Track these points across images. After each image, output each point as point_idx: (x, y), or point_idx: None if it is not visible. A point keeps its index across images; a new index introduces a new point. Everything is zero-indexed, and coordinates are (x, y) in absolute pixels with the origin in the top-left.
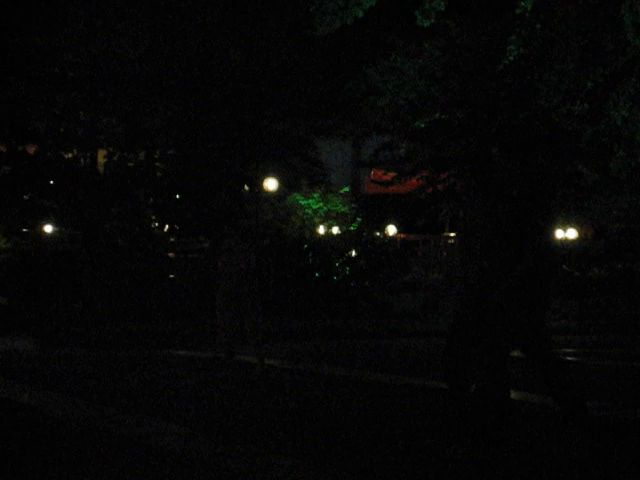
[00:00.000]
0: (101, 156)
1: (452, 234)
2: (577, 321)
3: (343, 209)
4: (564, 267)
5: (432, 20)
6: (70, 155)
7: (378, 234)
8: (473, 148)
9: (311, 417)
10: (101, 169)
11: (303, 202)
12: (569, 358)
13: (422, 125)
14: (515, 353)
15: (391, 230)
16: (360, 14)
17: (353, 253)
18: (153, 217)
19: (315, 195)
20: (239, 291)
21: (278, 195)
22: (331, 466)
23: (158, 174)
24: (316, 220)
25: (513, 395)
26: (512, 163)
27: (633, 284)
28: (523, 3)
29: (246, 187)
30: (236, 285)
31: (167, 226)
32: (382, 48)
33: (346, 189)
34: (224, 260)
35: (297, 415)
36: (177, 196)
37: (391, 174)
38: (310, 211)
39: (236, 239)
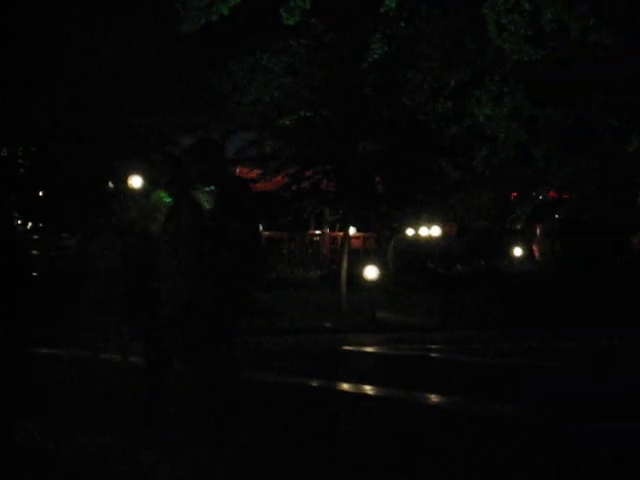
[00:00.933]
0: None
1: (317, 232)
2: (440, 317)
3: (209, 206)
4: (428, 264)
5: (297, 18)
6: None
7: None
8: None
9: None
10: None
11: (168, 199)
12: (432, 354)
13: (287, 123)
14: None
15: None
16: (225, 11)
17: None
18: (15, 214)
19: None
20: (106, 290)
21: (143, 192)
22: None
23: (21, 170)
24: None
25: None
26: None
27: (494, 281)
28: (387, 2)
29: (110, 184)
30: (104, 284)
31: (30, 223)
32: (248, 45)
33: (211, 186)
34: (93, 259)
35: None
36: (40, 193)
37: (257, 171)
38: None
39: (106, 237)
